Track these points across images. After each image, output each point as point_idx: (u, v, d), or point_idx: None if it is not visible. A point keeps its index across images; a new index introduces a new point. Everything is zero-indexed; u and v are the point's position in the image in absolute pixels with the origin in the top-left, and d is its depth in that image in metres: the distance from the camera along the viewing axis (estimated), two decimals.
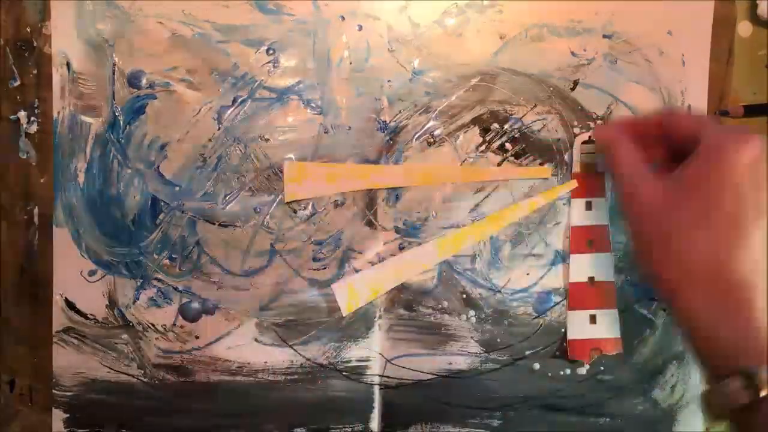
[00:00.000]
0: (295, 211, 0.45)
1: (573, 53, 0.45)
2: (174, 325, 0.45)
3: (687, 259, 0.32)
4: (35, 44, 0.44)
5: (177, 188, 0.44)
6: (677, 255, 0.32)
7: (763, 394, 0.29)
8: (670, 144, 0.38)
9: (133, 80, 0.43)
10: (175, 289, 0.45)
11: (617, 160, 0.37)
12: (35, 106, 0.44)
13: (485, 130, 0.45)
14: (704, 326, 0.32)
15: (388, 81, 0.44)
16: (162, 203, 0.44)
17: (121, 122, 0.44)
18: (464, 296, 0.46)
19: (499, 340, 0.46)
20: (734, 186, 0.31)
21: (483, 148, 0.45)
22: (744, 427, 0.31)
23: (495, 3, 0.44)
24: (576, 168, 0.45)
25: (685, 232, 0.32)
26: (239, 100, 0.44)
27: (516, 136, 0.45)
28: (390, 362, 0.46)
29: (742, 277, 0.31)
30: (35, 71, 0.44)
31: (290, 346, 0.45)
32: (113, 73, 0.43)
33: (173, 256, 0.45)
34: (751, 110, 0.45)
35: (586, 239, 0.45)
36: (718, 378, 0.31)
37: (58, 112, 0.44)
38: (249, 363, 0.45)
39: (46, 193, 0.44)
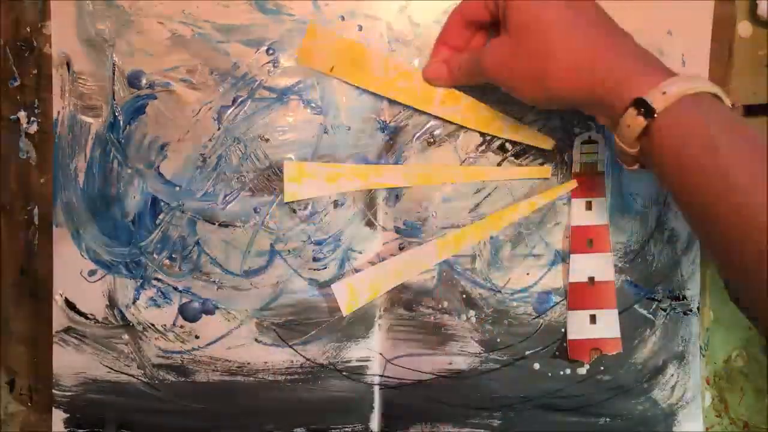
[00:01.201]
0: (295, 211, 0.45)
1: None
2: (174, 325, 0.45)
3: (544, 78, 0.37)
4: (35, 44, 0.44)
5: (177, 188, 0.44)
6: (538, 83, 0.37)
7: (658, 110, 0.32)
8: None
9: (133, 80, 0.43)
10: (175, 289, 0.45)
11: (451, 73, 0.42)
12: (35, 106, 0.44)
13: None
14: (591, 88, 0.36)
15: None
16: (162, 203, 0.44)
17: (121, 122, 0.44)
18: (464, 296, 0.46)
19: (499, 340, 0.46)
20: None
21: (483, 148, 0.45)
22: (647, 157, 0.35)
23: None
24: (576, 168, 0.45)
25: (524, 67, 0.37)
26: (239, 100, 0.44)
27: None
28: (390, 362, 0.46)
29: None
30: (35, 71, 0.44)
31: (290, 346, 0.45)
32: (113, 73, 0.43)
33: (173, 256, 0.45)
34: (751, 110, 0.45)
35: (586, 239, 0.45)
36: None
37: (58, 112, 0.44)
38: (249, 363, 0.45)
39: (46, 193, 0.44)
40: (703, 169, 0.31)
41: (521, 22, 0.37)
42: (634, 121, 0.33)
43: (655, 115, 0.33)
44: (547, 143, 0.45)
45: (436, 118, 0.44)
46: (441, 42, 0.43)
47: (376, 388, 0.46)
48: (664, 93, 0.33)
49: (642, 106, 0.33)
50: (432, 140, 0.45)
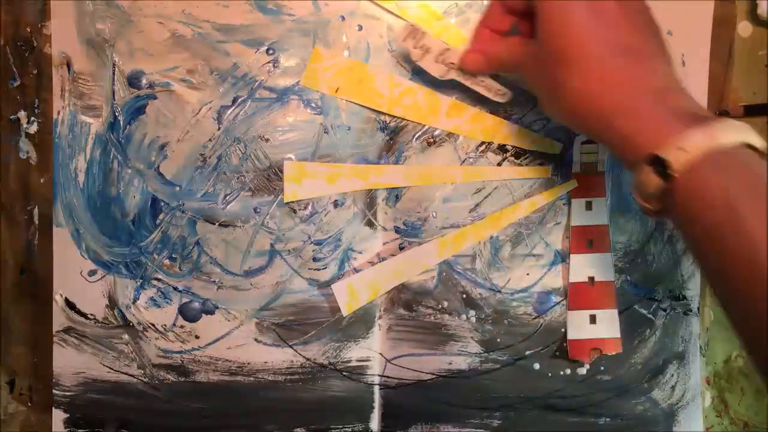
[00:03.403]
0: (295, 211, 0.45)
1: None
2: (174, 325, 0.45)
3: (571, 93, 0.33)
4: (35, 44, 0.44)
5: (177, 188, 0.44)
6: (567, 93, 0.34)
7: (677, 171, 0.29)
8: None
9: (133, 80, 0.43)
10: (175, 289, 0.45)
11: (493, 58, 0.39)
12: (35, 106, 0.44)
13: None
14: (607, 130, 0.33)
15: None
16: (162, 203, 0.44)
17: (121, 122, 0.44)
18: (464, 296, 0.46)
19: (499, 340, 0.46)
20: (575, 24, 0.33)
21: (483, 148, 0.45)
22: (667, 214, 0.31)
23: None
24: (576, 168, 0.45)
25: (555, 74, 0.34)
26: (239, 100, 0.44)
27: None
28: (390, 362, 0.46)
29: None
30: (35, 71, 0.44)
31: (290, 346, 0.45)
32: (113, 73, 0.43)
33: (173, 256, 0.45)
34: (751, 110, 0.45)
35: (586, 239, 0.45)
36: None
37: (58, 112, 0.44)
38: (249, 363, 0.45)
39: (46, 193, 0.44)
40: (726, 244, 0.28)
41: (547, 27, 0.33)
42: (650, 179, 0.30)
43: (675, 176, 0.29)
44: (554, 148, 0.45)
45: None
46: (482, 25, 0.40)
47: (376, 388, 0.46)
48: (681, 149, 0.28)
49: (658, 164, 0.29)
50: (432, 140, 0.45)
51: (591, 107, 0.32)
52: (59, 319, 0.45)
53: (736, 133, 0.29)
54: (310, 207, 0.45)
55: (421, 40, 0.41)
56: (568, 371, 0.46)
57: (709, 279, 0.31)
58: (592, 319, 0.46)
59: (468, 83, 0.42)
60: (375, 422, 0.46)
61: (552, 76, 0.34)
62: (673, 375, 0.47)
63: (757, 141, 0.29)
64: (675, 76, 0.34)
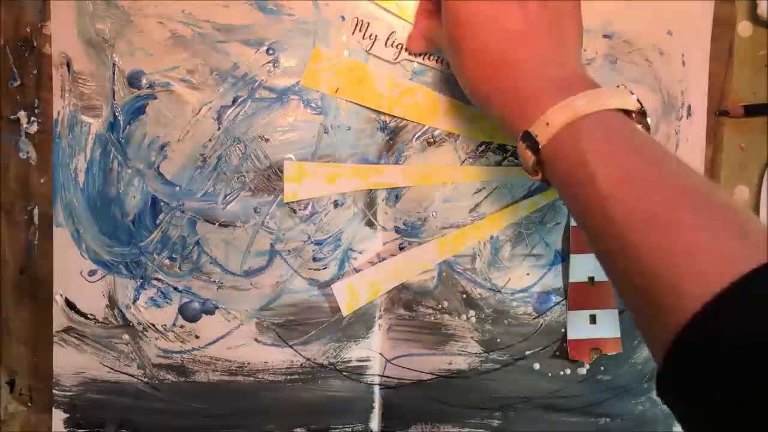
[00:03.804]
0: (295, 211, 0.45)
1: None
2: (174, 325, 0.45)
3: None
4: (35, 44, 0.44)
5: (177, 188, 0.44)
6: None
7: (541, 143, 0.31)
8: None
9: (133, 80, 0.43)
10: (175, 289, 0.45)
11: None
12: (35, 106, 0.44)
13: None
14: (494, 110, 0.35)
15: None
16: (162, 203, 0.44)
17: (121, 122, 0.44)
18: (464, 296, 0.46)
19: (499, 340, 0.46)
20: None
21: (483, 148, 0.45)
22: (549, 184, 0.34)
23: None
24: None
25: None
26: (239, 100, 0.44)
27: None
28: (390, 362, 0.46)
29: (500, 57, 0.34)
30: (35, 71, 0.44)
31: (290, 346, 0.45)
32: (113, 73, 0.43)
33: (173, 256, 0.45)
34: (751, 110, 0.45)
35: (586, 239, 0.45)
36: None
37: (58, 112, 0.44)
38: (249, 363, 0.45)
39: (46, 193, 0.44)
40: (586, 203, 0.30)
41: (445, 16, 0.36)
42: (525, 154, 0.32)
43: (540, 148, 0.31)
44: None
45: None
46: (422, 7, 0.42)
47: (376, 388, 0.46)
48: (547, 124, 0.31)
49: (528, 140, 0.32)
50: (432, 140, 0.45)
51: (479, 90, 0.35)
52: (59, 319, 0.45)
53: (596, 100, 0.30)
54: (310, 207, 0.45)
55: (368, 30, 0.42)
56: (568, 371, 0.46)
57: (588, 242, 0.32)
58: (592, 319, 0.46)
59: (419, 60, 0.43)
60: (375, 422, 0.46)
61: (451, 60, 0.36)
62: None
63: (627, 104, 0.31)
64: (564, 50, 0.35)
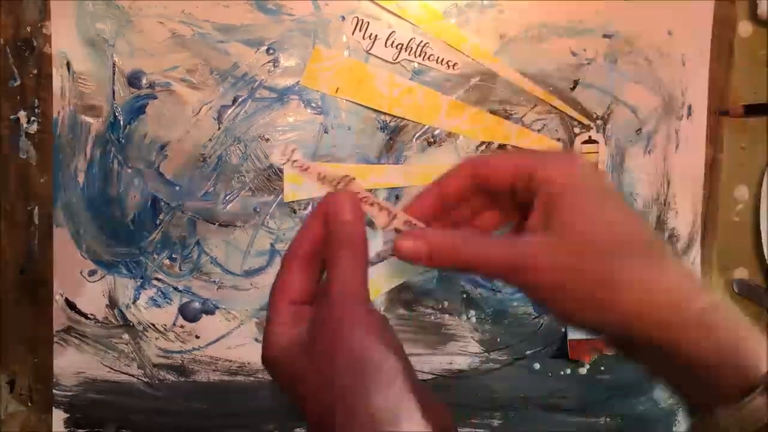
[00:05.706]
0: (295, 211, 0.45)
1: (573, 53, 0.45)
2: (174, 325, 0.45)
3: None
4: (35, 44, 0.43)
5: (177, 188, 0.44)
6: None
7: None
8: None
9: (133, 80, 0.43)
10: (175, 289, 0.45)
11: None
12: (35, 106, 0.44)
13: None
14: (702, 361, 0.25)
15: None
16: (162, 203, 0.44)
17: (121, 122, 0.44)
18: (464, 296, 0.46)
19: (499, 340, 0.46)
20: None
21: (483, 147, 0.45)
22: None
23: (495, 3, 0.44)
24: None
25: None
26: (239, 100, 0.44)
27: None
28: None
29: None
30: (35, 71, 0.44)
31: None
32: (113, 73, 0.43)
33: (173, 256, 0.45)
34: (751, 110, 0.45)
35: None
36: (724, 404, 0.25)
37: (58, 112, 0.44)
38: (249, 363, 0.45)
39: (46, 193, 0.44)
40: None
41: (578, 232, 0.25)
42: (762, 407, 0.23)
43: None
44: (554, 146, 0.45)
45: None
46: (415, 206, 0.29)
47: None
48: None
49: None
50: (432, 140, 0.45)
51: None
52: (59, 319, 0.45)
53: None
54: (310, 207, 0.45)
55: (368, 30, 0.42)
56: (568, 371, 0.46)
57: None
58: None
59: (419, 61, 0.43)
60: None
61: (597, 290, 0.25)
62: None
63: None
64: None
